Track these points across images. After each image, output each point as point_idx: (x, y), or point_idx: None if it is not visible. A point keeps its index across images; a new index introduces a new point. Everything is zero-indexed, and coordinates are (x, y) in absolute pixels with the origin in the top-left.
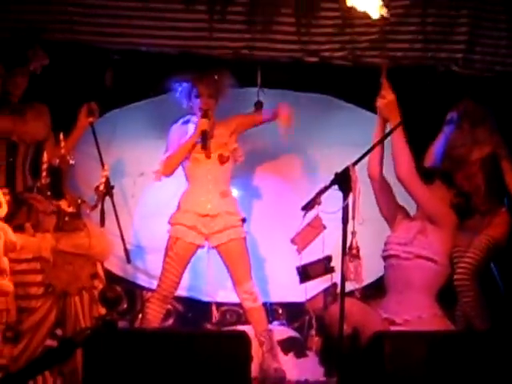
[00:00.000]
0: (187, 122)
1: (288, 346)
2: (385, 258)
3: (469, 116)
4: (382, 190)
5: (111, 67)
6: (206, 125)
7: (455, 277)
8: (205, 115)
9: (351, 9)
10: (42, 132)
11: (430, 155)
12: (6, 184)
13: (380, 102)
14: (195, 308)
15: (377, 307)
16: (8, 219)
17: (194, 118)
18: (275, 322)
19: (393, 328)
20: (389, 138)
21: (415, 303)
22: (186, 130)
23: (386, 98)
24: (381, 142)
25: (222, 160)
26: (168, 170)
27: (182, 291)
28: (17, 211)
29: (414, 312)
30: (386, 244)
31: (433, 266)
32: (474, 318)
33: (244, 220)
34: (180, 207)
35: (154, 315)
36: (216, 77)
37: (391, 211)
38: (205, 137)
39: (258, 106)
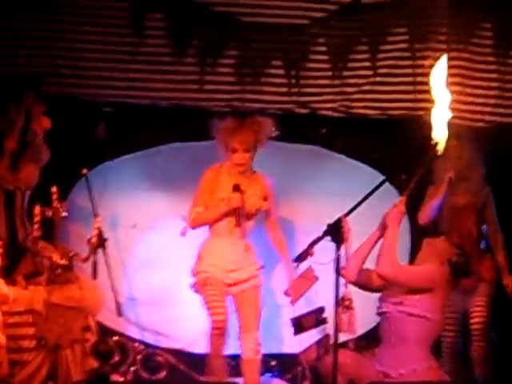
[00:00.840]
0: (220, 166)
1: None
2: (379, 314)
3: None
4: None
5: (103, 120)
6: (239, 201)
7: (472, 321)
8: (236, 189)
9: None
10: (36, 178)
11: (426, 212)
12: (8, 234)
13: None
14: (188, 360)
15: (371, 358)
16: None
17: (228, 166)
18: (268, 374)
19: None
20: None
21: (409, 356)
22: (219, 178)
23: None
24: (366, 198)
25: (250, 217)
26: (195, 225)
27: (174, 343)
28: (23, 260)
29: (408, 365)
30: (379, 301)
31: (425, 321)
32: (482, 364)
33: (262, 267)
34: (202, 258)
35: (215, 349)
36: (256, 127)
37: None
38: (237, 214)
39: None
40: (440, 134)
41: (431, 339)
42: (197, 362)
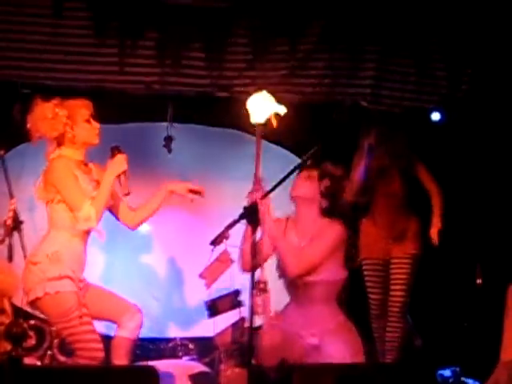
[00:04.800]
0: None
1: (199, 380)
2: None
3: (384, 140)
4: None
5: (20, 101)
6: (124, 162)
7: (391, 299)
8: (117, 151)
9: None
10: None
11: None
12: None
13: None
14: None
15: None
16: None
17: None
18: (186, 357)
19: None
20: None
21: (319, 315)
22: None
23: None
24: (282, 181)
25: None
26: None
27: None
28: None
29: (318, 325)
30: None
31: (332, 283)
32: (395, 348)
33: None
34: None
35: None
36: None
37: None
38: (125, 178)
39: (168, 140)
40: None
41: (337, 296)
42: None
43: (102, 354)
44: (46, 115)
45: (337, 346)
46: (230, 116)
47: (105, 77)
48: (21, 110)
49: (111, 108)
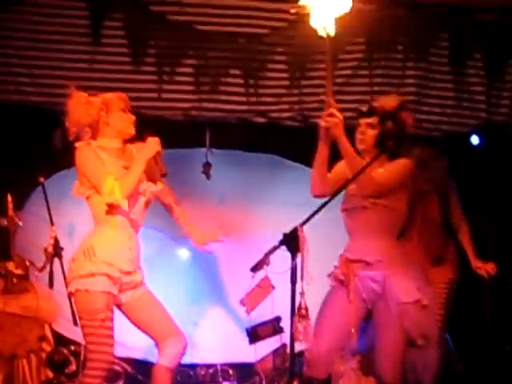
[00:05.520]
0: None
1: None
2: (345, 210)
3: (425, 164)
4: None
5: (60, 128)
6: (158, 144)
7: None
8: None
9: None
10: None
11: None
12: None
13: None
14: (145, 370)
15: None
16: None
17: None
18: (225, 383)
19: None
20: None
21: (382, 244)
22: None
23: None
24: (323, 207)
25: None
26: (127, 192)
27: (132, 352)
28: None
29: (383, 252)
30: (346, 197)
31: (396, 212)
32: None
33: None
34: (93, 254)
35: None
36: None
37: None
38: (160, 160)
39: (207, 167)
40: None
41: (399, 229)
42: None
43: (111, 358)
44: (80, 101)
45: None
46: (269, 141)
47: (143, 103)
48: (60, 136)
49: (150, 134)
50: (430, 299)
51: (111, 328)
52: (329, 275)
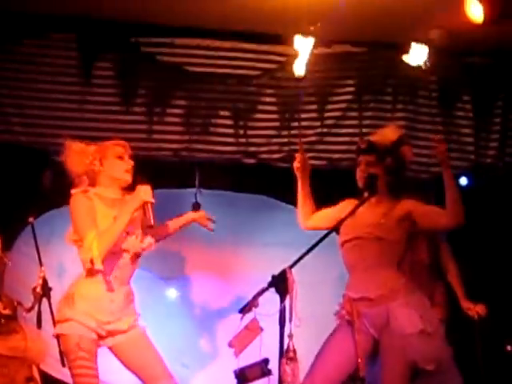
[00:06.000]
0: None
1: None
2: (344, 242)
3: None
4: None
5: (50, 168)
6: (149, 193)
7: None
8: (142, 182)
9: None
10: None
11: None
12: None
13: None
14: None
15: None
16: None
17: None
18: None
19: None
20: None
21: (384, 278)
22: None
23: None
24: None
25: (135, 258)
26: (104, 250)
27: None
28: None
29: (385, 286)
30: (346, 229)
31: (395, 244)
32: None
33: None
34: (73, 302)
35: None
36: None
37: None
38: (150, 209)
39: (196, 207)
40: None
41: (398, 260)
42: None
43: None
44: (73, 151)
45: (406, 310)
46: (259, 182)
47: (133, 144)
48: (50, 176)
49: (139, 174)
50: (436, 324)
51: (88, 367)
52: (335, 314)
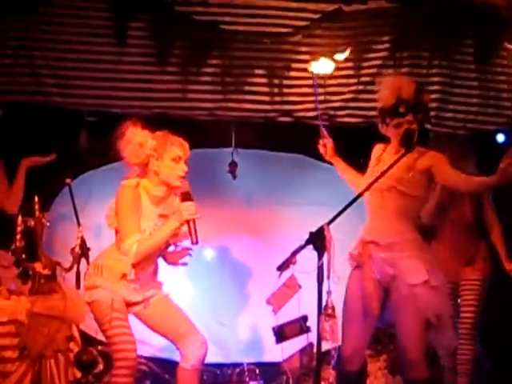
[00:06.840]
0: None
1: None
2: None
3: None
4: None
5: (86, 129)
6: (193, 211)
7: (460, 332)
8: (186, 197)
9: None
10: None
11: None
12: None
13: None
14: (172, 369)
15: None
16: None
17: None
18: (253, 383)
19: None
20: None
21: (398, 227)
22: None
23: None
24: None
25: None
26: (140, 259)
27: (158, 352)
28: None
29: (397, 235)
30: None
31: (415, 199)
32: (463, 373)
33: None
34: (102, 270)
35: None
36: None
37: None
38: (193, 227)
39: (232, 166)
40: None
41: (417, 214)
42: None
43: (133, 355)
44: (132, 140)
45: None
46: (294, 141)
47: (168, 104)
48: (86, 138)
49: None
50: (441, 282)
51: (124, 327)
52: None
